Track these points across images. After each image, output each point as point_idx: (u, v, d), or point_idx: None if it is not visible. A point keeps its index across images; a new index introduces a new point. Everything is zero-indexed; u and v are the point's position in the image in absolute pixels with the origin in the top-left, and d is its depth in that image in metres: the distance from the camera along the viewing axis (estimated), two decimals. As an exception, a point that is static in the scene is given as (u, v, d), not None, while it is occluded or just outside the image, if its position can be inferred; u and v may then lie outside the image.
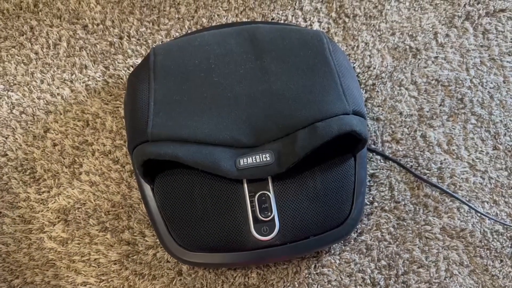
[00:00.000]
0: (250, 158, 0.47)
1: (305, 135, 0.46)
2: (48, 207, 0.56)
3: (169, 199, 0.49)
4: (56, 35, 0.65)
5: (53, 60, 0.63)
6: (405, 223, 0.55)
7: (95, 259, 0.53)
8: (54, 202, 0.56)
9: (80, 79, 0.62)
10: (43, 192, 0.56)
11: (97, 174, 0.57)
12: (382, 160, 0.58)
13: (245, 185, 0.48)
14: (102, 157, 0.58)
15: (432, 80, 0.62)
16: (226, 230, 0.47)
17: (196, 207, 0.48)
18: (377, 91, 0.61)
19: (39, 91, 0.62)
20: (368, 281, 0.52)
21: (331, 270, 0.53)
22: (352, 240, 0.54)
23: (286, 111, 0.48)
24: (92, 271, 0.53)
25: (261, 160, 0.47)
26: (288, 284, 0.52)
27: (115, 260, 0.53)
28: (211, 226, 0.47)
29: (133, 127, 0.49)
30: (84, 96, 0.61)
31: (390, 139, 0.59)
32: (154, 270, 0.53)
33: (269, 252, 0.47)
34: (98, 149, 0.58)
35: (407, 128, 0.59)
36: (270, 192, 0.48)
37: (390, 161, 0.57)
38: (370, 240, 0.54)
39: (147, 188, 0.50)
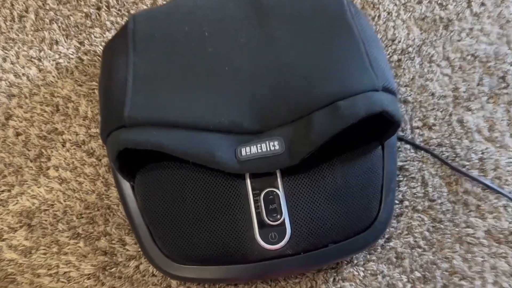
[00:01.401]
0: (254, 147, 0.38)
1: (324, 117, 0.37)
2: (8, 210, 0.46)
3: (153, 199, 0.40)
4: (22, 5, 0.55)
5: (18, 35, 0.54)
6: (442, 226, 0.45)
7: (64, 273, 0.44)
8: (16, 203, 0.46)
9: (49, 57, 0.52)
10: (3, 191, 0.47)
11: (68, 169, 0.47)
12: (412, 150, 0.48)
13: (248, 181, 0.39)
14: (74, 148, 0.48)
15: (468, 55, 0.52)
16: (224, 237, 0.39)
17: (186, 209, 0.39)
18: (404, 68, 0.52)
19: (0, 71, 0.52)
20: (399, 297, 0.43)
21: (354, 284, 0.43)
22: (379, 248, 0.45)
23: (299, 88, 0.39)
24: (60, 288, 0.44)
25: (268, 149, 0.38)
26: (301, 302, 0.43)
27: (89, 274, 0.44)
28: (206, 233, 0.39)
29: (107, 110, 0.40)
30: (54, 77, 0.52)
31: (421, 125, 0.49)
32: (137, 286, 0.44)
33: (278, 264, 0.39)
34: (70, 139, 0.49)
35: (441, 112, 0.50)
36: (279, 190, 0.39)
37: (422, 151, 0.48)
38: (401, 247, 0.45)
39: (126, 185, 0.42)
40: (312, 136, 0.37)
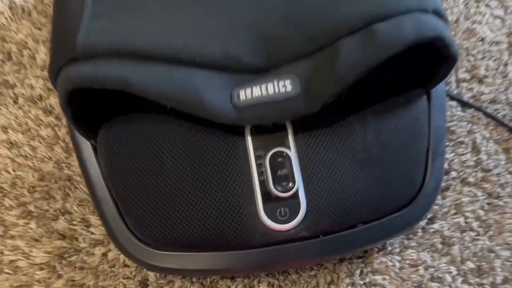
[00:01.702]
0: (257, 88, 0.28)
1: (355, 45, 0.27)
2: None
3: (121, 164, 0.30)
4: None
5: (-35, -31, 0.44)
6: (500, 203, 0.37)
7: (10, 262, 0.35)
8: (-48, 173, 0.37)
9: (2, -5, 0.43)
10: None
11: (20, 130, 0.38)
12: (459, 108, 0.39)
13: (249, 138, 0.30)
14: (28, 105, 0.39)
15: (524, -7, 0.42)
16: (216, 214, 0.29)
17: (165, 177, 0.30)
18: (445, 9, 0.42)
19: None
20: (447, 295, 0.34)
21: (387, 278, 0.34)
22: (420, 231, 0.36)
23: (320, 7, 0.29)
24: (5, 281, 0.35)
25: (277, 91, 0.28)
26: (319, 301, 0.33)
27: (42, 264, 0.35)
28: (192, 209, 0.29)
29: (57, 39, 0.30)
30: (7, 18, 0.42)
31: (469, 77, 0.40)
32: (104, 279, 0.35)
33: (289, 250, 0.30)
34: (23, 94, 0.39)
35: (494, 61, 0.40)
36: (290, 150, 0.30)
37: (472, 109, 0.39)
38: (448, 230, 0.36)
39: (87, 146, 0.32)
40: (339, 71, 0.26)
